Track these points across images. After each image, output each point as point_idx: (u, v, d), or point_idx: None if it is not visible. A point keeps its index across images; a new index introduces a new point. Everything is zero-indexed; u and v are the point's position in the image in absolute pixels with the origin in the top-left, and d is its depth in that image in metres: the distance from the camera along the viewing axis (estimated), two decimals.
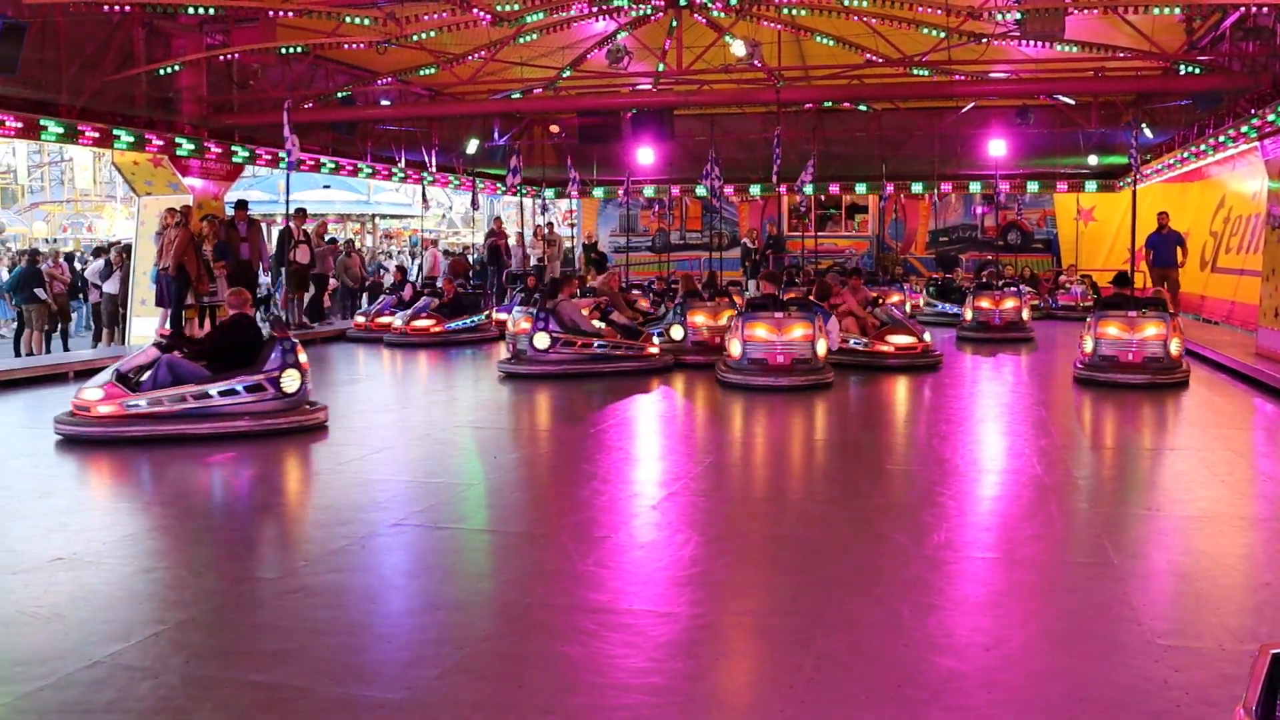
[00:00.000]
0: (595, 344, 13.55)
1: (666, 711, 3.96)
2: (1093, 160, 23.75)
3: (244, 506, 7.25)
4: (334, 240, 23.71)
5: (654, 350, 13.90)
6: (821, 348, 12.63)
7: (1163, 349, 12.24)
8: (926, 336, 14.31)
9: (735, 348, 12.56)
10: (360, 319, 19.19)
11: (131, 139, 15.09)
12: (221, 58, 16.72)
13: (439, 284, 19.45)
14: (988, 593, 5.32)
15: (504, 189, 28.39)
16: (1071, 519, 6.73)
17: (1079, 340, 12.96)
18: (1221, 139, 15.67)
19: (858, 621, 4.85)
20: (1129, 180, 24.33)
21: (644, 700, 4.05)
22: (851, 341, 14.13)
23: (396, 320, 17.91)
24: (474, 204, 24.69)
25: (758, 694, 4.26)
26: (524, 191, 27.43)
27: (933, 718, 3.88)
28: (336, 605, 5.13)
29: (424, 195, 22.14)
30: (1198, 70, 15.44)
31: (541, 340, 13.32)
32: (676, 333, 14.86)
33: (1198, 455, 8.73)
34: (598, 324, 14.08)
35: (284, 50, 16.31)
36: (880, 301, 15.43)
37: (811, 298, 14.51)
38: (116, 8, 14.27)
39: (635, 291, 19.15)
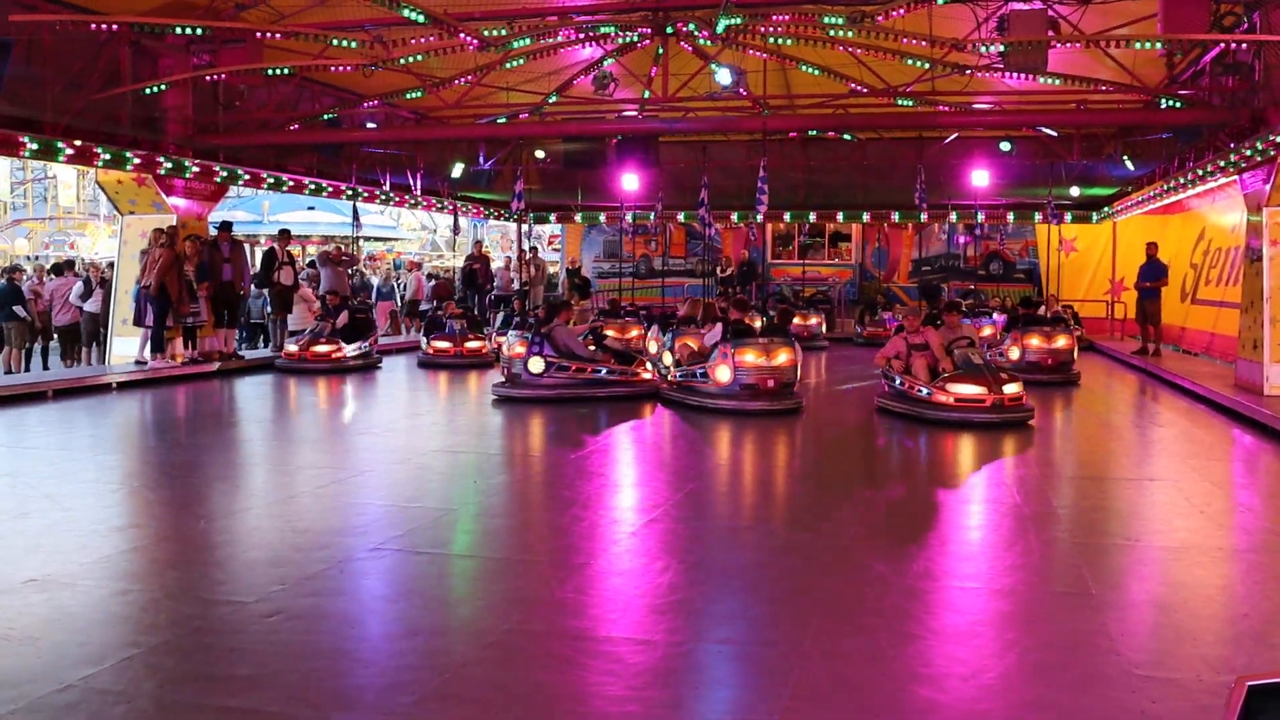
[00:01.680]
0: (589, 369, 13.55)
1: None
2: (1074, 191, 23.92)
3: (221, 529, 7.20)
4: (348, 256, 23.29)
5: (647, 375, 13.91)
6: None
7: (1069, 354, 16.49)
8: (1012, 387, 11.92)
9: (724, 373, 12.60)
10: (293, 348, 17.37)
11: (114, 157, 15.04)
12: (208, 78, 16.72)
13: (425, 307, 19.42)
14: (967, 622, 5.32)
15: (490, 213, 28.48)
16: (1051, 549, 6.74)
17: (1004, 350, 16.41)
18: (1201, 172, 15.79)
19: (837, 651, 4.84)
20: (1105, 212, 24.65)
21: None
22: (920, 390, 12.08)
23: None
24: (455, 229, 24.65)
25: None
26: (514, 216, 27.50)
27: None
28: (313, 630, 5.10)
29: (355, 214, 21.77)
30: (1178, 104, 15.57)
31: (536, 365, 13.36)
32: (667, 359, 14.88)
33: (1176, 486, 8.76)
34: (593, 349, 14.08)
35: (270, 72, 16.30)
36: (974, 342, 12.75)
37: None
38: (104, 26, 14.27)
39: (627, 319, 18.99)
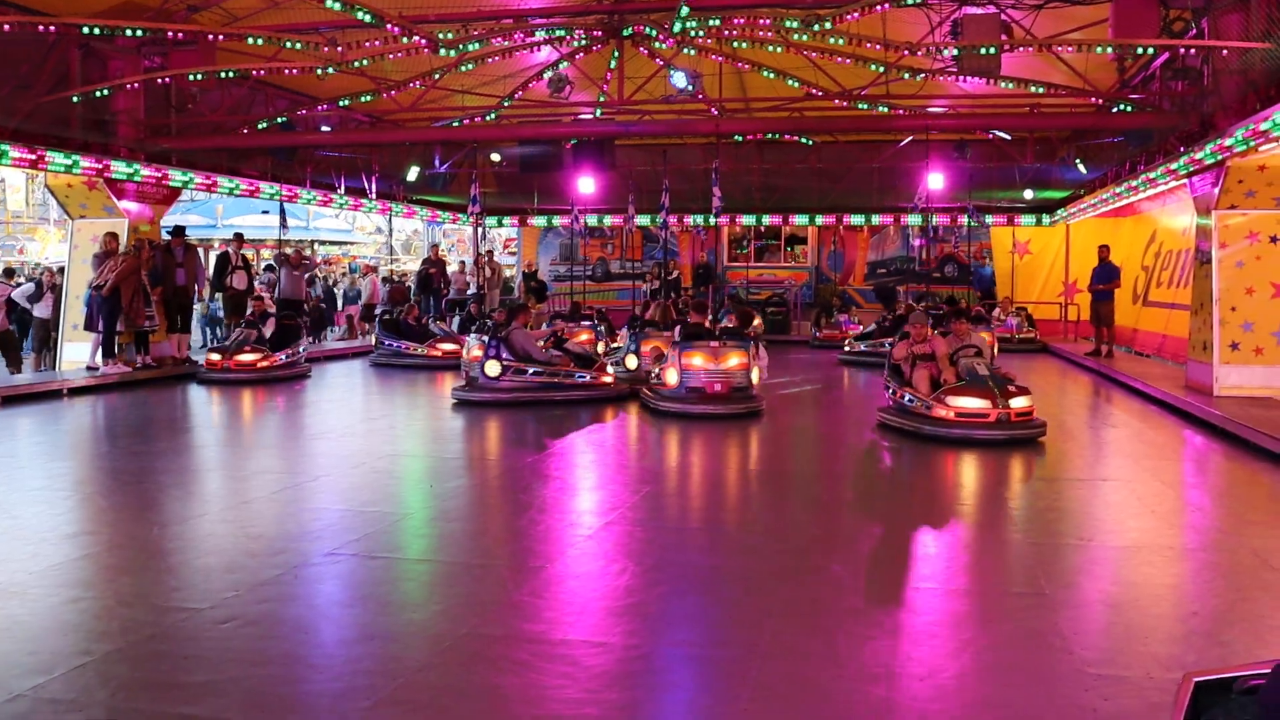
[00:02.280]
0: (547, 372, 13.53)
1: None
2: (1028, 194, 24.16)
3: (174, 535, 7.13)
4: (306, 260, 23.07)
5: (608, 379, 13.90)
6: (755, 376, 12.88)
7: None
8: (1020, 401, 10.87)
9: (672, 376, 12.62)
10: (215, 356, 16.57)
11: (66, 161, 14.87)
12: (159, 81, 16.56)
13: (383, 310, 19.28)
14: (923, 622, 5.35)
15: (446, 216, 28.38)
16: (1005, 549, 6.80)
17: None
18: (1152, 176, 15.98)
19: (793, 651, 4.86)
20: (1058, 215, 24.89)
21: None
22: (908, 399, 11.40)
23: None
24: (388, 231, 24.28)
25: None
26: (468, 219, 27.41)
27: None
28: (268, 636, 5.06)
29: (282, 213, 21.53)
30: (1129, 109, 15.76)
31: (493, 368, 13.32)
32: (631, 362, 14.91)
33: (1129, 486, 8.86)
34: (554, 352, 14.04)
35: (223, 74, 16.17)
36: (980, 351, 11.84)
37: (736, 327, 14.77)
38: (52, 28, 14.11)
39: (584, 324, 18.13)
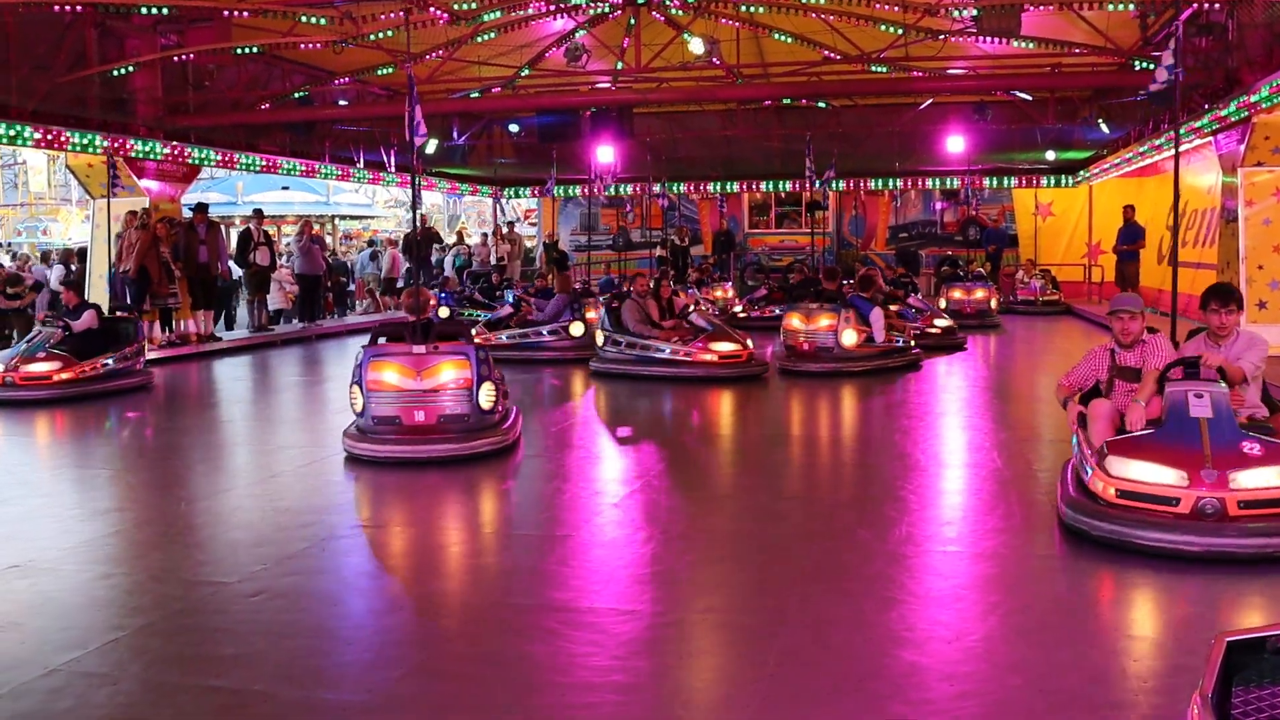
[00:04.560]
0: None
1: (630, 709, 3.96)
2: (1050, 156, 23.95)
3: (202, 511, 7.18)
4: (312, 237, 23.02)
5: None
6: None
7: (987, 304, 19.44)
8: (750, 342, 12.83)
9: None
10: None
11: (85, 141, 14.90)
12: (176, 58, 16.56)
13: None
14: (949, 586, 5.34)
15: (466, 189, 28.36)
16: (1032, 511, 6.77)
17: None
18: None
19: (820, 616, 4.86)
20: (1081, 176, 24.68)
21: (608, 699, 4.04)
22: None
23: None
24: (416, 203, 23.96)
25: (721, 690, 4.26)
26: (488, 193, 27.38)
27: (895, 711, 3.89)
28: (297, 608, 5.09)
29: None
30: (1152, 66, 15.55)
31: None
32: (576, 329, 14.95)
33: None
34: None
35: (239, 50, 16.16)
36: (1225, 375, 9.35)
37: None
38: (68, 8, 14.11)
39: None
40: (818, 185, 18.72)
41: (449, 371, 8.43)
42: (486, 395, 8.49)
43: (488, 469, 8.12)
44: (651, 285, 13.91)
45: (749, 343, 13.02)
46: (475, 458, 8.24)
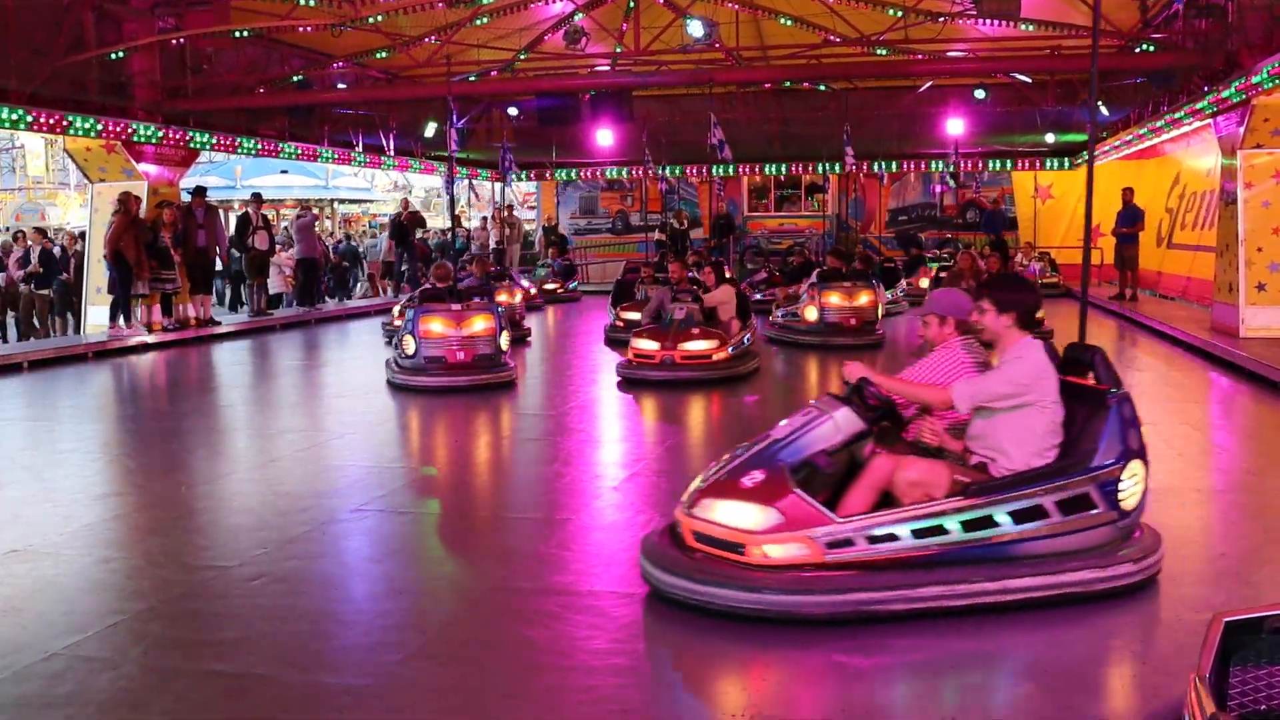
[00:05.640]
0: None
1: (630, 692, 3.98)
2: (1050, 138, 23.91)
3: (202, 495, 7.19)
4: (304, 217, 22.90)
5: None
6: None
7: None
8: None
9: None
10: None
11: (84, 125, 14.85)
12: (174, 42, 16.51)
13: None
14: None
15: (464, 172, 28.31)
16: None
17: None
18: (1176, 116, 15.79)
19: None
20: (1080, 158, 24.62)
21: (607, 681, 4.06)
22: None
23: None
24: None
25: (720, 672, 4.27)
26: (486, 176, 27.36)
27: (893, 690, 3.91)
28: (297, 592, 5.10)
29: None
30: (1152, 48, 15.56)
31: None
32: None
33: (1155, 429, 8.77)
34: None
35: (238, 34, 16.10)
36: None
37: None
38: None
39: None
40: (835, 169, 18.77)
41: (480, 323, 11.39)
42: (505, 340, 11.59)
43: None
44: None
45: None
46: (495, 386, 11.07)
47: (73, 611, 4.82)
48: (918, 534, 4.48)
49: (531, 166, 28.51)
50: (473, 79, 19.57)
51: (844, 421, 4.78)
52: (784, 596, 4.39)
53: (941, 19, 15.63)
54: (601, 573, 5.36)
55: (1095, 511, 4.62)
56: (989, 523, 4.51)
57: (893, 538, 4.47)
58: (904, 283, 20.99)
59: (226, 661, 4.25)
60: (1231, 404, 10.58)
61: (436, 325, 11.28)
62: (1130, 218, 18.92)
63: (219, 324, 17.05)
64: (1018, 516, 4.52)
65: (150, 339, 15.16)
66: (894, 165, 26.93)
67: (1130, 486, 4.72)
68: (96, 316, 16.33)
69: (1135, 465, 4.76)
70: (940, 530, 4.49)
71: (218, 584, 5.21)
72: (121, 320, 15.19)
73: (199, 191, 17.29)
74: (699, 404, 10.77)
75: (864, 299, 14.32)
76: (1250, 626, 2.28)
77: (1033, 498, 4.53)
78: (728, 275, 13.76)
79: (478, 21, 16.58)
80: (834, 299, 14.31)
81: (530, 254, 28.63)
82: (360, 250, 27.83)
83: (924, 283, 19.97)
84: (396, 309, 14.95)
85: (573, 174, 28.42)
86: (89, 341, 14.91)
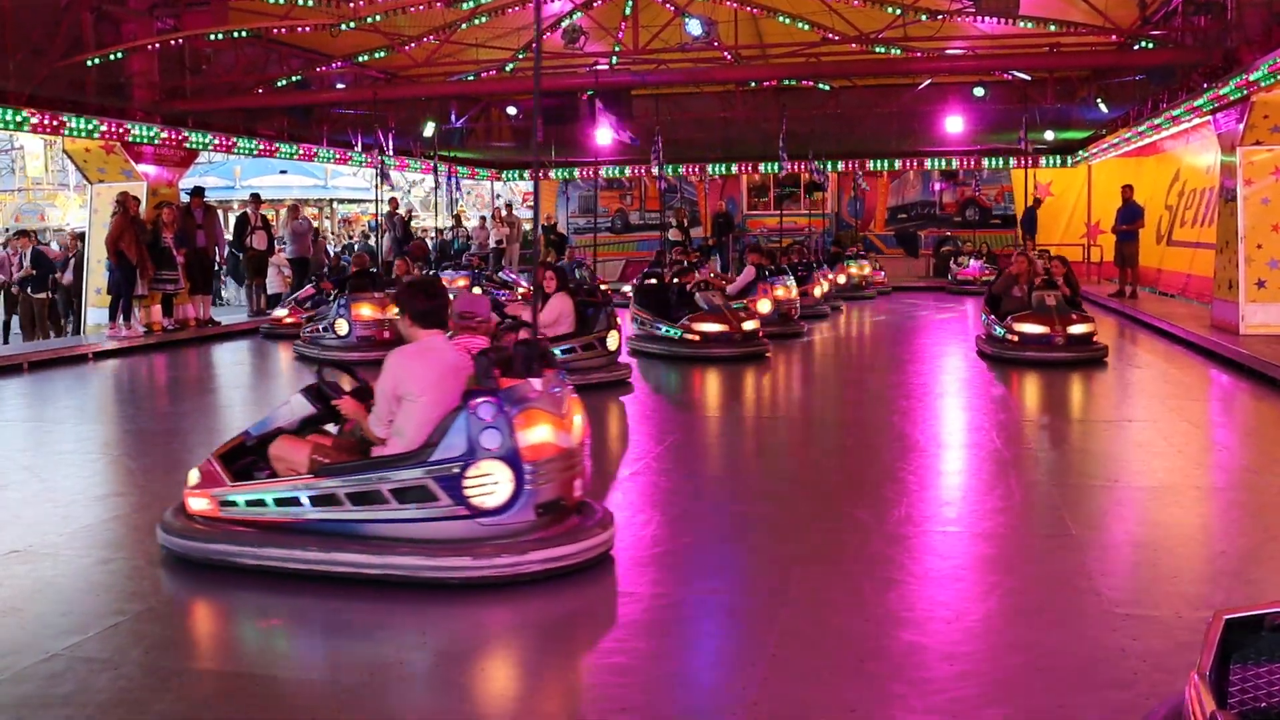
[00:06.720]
0: None
1: (630, 691, 3.97)
2: (1049, 136, 23.89)
3: None
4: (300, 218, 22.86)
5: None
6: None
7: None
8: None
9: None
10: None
11: (83, 126, 14.84)
12: (173, 42, 16.49)
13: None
14: (949, 566, 5.35)
15: (465, 171, 28.30)
16: (1031, 491, 6.78)
17: None
18: (1175, 113, 15.78)
19: (820, 598, 4.87)
20: (1080, 156, 24.64)
21: (607, 680, 4.06)
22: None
23: None
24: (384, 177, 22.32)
25: (721, 672, 4.26)
26: (485, 176, 27.33)
27: (895, 691, 3.90)
28: (299, 591, 5.10)
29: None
30: (1151, 45, 15.55)
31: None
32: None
33: (1154, 427, 8.81)
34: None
35: (236, 34, 16.09)
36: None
37: None
38: None
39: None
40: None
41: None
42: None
43: None
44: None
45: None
46: None
47: (72, 612, 4.81)
48: (279, 503, 5.21)
49: (531, 166, 28.49)
50: (470, 78, 19.56)
51: (297, 406, 5.75)
52: (188, 541, 5.35)
53: (940, 16, 15.61)
54: (601, 572, 5.35)
55: (439, 503, 4.95)
56: (333, 500, 5.08)
57: (261, 503, 5.25)
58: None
59: (226, 662, 4.25)
60: (1231, 401, 10.58)
61: (366, 310, 12.84)
62: (1130, 215, 18.92)
63: (219, 324, 17.03)
64: (355, 499, 5.04)
65: (150, 339, 15.14)
66: (886, 164, 26.90)
67: (484, 485, 4.94)
68: (96, 317, 16.33)
69: (489, 465, 4.94)
70: (295, 502, 5.16)
71: (217, 584, 5.21)
72: (121, 320, 15.18)
73: (197, 192, 17.29)
74: (701, 395, 10.78)
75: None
76: (1251, 624, 2.28)
77: (369, 484, 5.02)
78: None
79: (475, 21, 16.56)
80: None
81: (529, 253, 28.60)
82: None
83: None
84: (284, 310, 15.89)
85: (572, 173, 28.41)
86: (89, 342, 14.91)
